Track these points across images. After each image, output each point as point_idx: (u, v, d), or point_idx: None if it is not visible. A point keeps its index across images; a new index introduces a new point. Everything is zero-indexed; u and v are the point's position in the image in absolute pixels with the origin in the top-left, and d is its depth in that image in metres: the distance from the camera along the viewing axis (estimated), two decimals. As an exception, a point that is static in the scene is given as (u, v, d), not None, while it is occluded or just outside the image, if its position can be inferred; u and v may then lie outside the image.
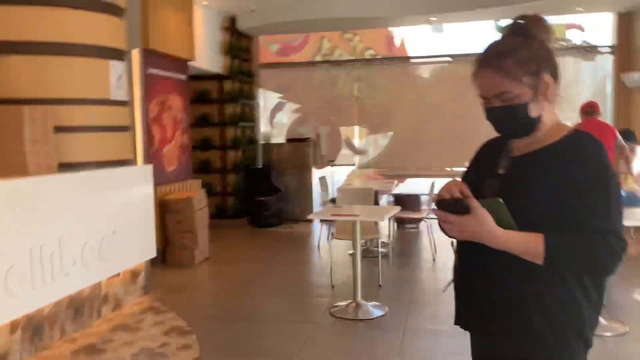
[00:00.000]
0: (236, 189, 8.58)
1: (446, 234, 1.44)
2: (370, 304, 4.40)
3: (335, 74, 9.29)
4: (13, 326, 3.29)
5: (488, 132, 1.55)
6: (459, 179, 1.47)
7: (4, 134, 3.72)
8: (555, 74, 1.43)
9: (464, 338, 1.68)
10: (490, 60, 1.41)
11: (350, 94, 9.22)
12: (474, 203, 1.34)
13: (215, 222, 6.82)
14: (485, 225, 1.33)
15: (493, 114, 1.43)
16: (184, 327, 3.94)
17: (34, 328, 3.46)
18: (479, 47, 1.50)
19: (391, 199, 7.32)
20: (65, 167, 4.00)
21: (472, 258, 1.46)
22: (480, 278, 1.44)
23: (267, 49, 9.47)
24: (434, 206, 1.47)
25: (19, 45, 3.97)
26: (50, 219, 3.57)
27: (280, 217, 8.39)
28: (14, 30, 3.95)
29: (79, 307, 3.90)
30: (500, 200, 1.34)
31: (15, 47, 3.97)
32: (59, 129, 3.97)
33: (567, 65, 8.27)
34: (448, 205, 1.38)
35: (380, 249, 5.44)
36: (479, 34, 8.77)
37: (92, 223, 3.96)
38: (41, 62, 4.04)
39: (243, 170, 8.63)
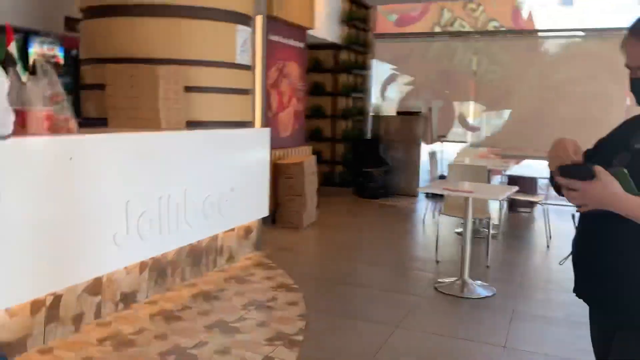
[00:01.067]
0: (344, 158, 8.67)
1: (561, 194, 1.43)
2: (477, 283, 4.29)
3: (454, 46, 8.95)
4: (142, 266, 3.61)
5: (620, 114, 1.47)
6: (570, 138, 1.46)
7: (140, 91, 4.02)
8: None
9: (576, 327, 1.60)
10: (637, 30, 1.39)
11: (467, 68, 8.85)
12: (598, 168, 1.32)
13: (322, 189, 6.95)
14: (610, 188, 1.32)
15: (636, 85, 1.42)
16: (292, 285, 4.10)
17: (158, 270, 3.78)
18: (615, 22, 1.45)
19: (505, 179, 7.01)
20: (192, 125, 4.26)
21: (593, 227, 1.45)
22: (601, 248, 1.44)
23: (385, 18, 9.33)
24: (548, 169, 1.44)
25: (154, 7, 4.24)
26: (177, 172, 3.83)
27: (386, 189, 8.37)
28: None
29: (197, 256, 4.18)
30: (625, 170, 1.32)
31: (151, 10, 4.25)
32: (187, 89, 4.23)
33: None
34: (571, 170, 1.35)
35: (489, 230, 5.25)
36: (617, 7, 7.99)
37: (213, 179, 4.21)
38: (174, 24, 4.29)
39: (352, 141, 8.68)
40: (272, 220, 6.02)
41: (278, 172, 6.05)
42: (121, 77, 4.08)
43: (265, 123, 5.95)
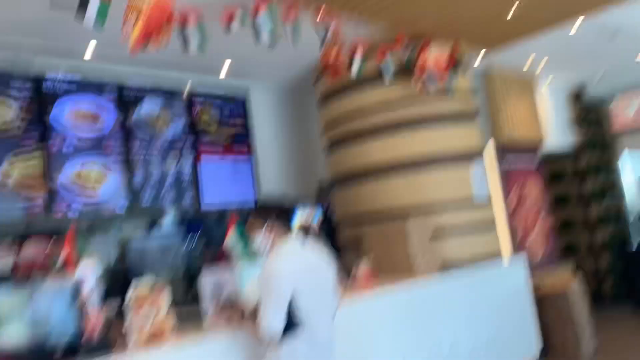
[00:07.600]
0: (612, 272, 7.70)
1: None
2: None
3: None
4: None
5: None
6: None
7: (394, 247, 4.29)
8: None
9: None
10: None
11: None
12: None
13: (593, 310, 6.18)
14: None
15: None
16: None
17: None
18: None
19: None
20: (445, 267, 4.31)
21: None
22: None
23: (623, 112, 8.59)
24: None
25: (397, 167, 4.63)
26: (441, 320, 3.85)
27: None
28: (392, 156, 4.65)
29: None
30: None
31: (395, 170, 4.64)
32: (436, 236, 4.37)
33: None
34: None
35: None
36: None
37: (477, 323, 4.11)
38: (416, 179, 4.58)
39: (614, 251, 7.71)
40: (544, 354, 5.49)
41: (540, 300, 5.61)
42: (376, 236, 4.44)
43: (514, 252, 5.72)
